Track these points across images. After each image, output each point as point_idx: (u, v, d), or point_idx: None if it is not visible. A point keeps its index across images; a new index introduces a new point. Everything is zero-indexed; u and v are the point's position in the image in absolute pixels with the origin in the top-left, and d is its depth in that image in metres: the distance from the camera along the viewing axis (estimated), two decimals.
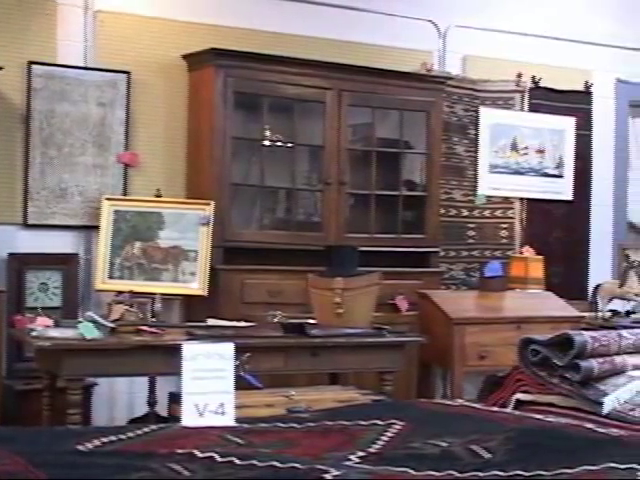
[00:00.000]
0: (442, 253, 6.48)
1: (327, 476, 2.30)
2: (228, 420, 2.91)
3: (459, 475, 2.43)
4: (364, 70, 6.07)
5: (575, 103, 7.27)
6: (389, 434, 2.83)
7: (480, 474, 2.44)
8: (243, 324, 4.95)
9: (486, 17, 6.90)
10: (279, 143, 6.00)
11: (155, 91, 5.95)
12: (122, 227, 5.49)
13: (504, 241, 6.97)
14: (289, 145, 6.02)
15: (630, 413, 3.59)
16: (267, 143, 5.94)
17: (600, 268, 7.34)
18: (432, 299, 5.75)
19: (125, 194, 5.79)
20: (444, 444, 2.69)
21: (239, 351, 3.60)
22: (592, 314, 6.35)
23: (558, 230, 7.23)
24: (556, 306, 6.05)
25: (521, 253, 6.63)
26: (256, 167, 5.95)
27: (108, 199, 5.57)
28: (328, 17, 6.43)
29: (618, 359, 3.85)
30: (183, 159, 5.99)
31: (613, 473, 2.38)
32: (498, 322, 5.66)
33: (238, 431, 2.78)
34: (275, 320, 4.96)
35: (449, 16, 6.79)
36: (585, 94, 7.33)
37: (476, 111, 6.87)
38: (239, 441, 2.66)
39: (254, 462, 2.38)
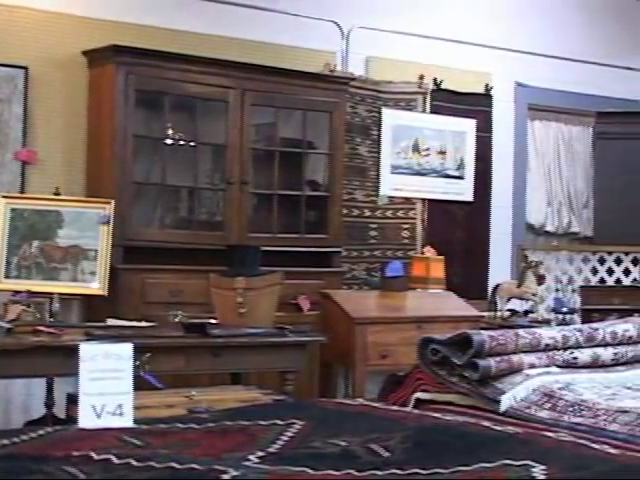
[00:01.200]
0: (344, 253, 6.51)
1: (225, 476, 2.28)
2: (126, 421, 2.87)
3: (358, 474, 2.43)
4: (267, 70, 6.06)
5: (476, 105, 7.37)
6: (289, 434, 2.82)
7: (379, 473, 2.45)
8: (144, 324, 4.90)
9: (389, 19, 6.95)
10: (182, 142, 5.95)
11: (54, 87, 5.84)
12: (19, 226, 5.37)
13: (406, 241, 7.03)
14: (192, 144, 5.98)
15: (526, 411, 3.65)
16: (169, 142, 5.89)
17: (499, 268, 7.46)
18: (334, 299, 5.77)
19: (23, 192, 5.68)
20: (343, 443, 2.70)
21: (139, 351, 3.57)
22: (491, 314, 6.45)
23: (459, 231, 7.32)
24: (456, 306, 6.12)
25: (422, 253, 6.70)
26: (158, 166, 5.89)
27: (5, 197, 5.44)
28: (232, 16, 6.40)
29: (515, 358, 3.91)
30: (83, 157, 5.90)
31: (508, 470, 2.41)
32: (399, 322, 5.71)
33: (136, 432, 2.74)
34: (176, 320, 4.91)
35: (352, 17, 6.82)
36: (485, 97, 7.44)
37: (379, 112, 6.91)
38: (137, 442, 2.62)
39: (152, 463, 2.35)
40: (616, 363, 4.23)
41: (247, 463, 2.50)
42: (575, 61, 7.93)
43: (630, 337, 4.32)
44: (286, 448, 2.69)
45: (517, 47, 7.58)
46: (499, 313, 6.51)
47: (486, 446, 2.66)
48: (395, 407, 3.54)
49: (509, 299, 6.59)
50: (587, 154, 8.18)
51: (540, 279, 6.63)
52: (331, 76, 6.49)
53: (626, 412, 3.44)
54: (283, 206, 6.16)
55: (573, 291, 7.39)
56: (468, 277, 7.21)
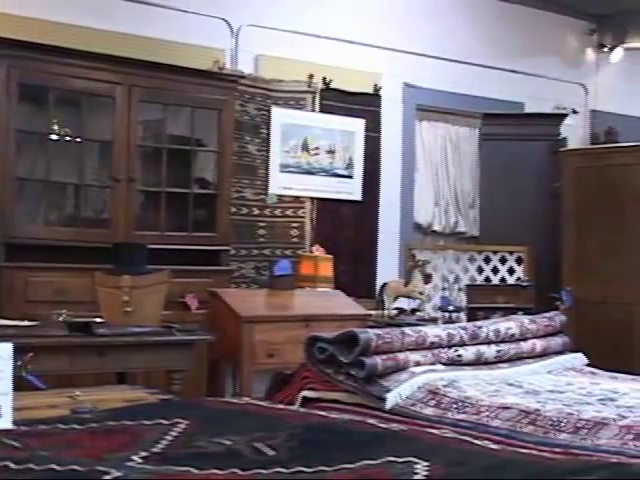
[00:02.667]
0: (233, 251, 6.48)
1: (107, 477, 2.25)
2: (5, 423, 2.81)
3: (242, 473, 2.42)
4: (155, 66, 5.99)
5: (365, 105, 7.42)
6: (173, 433, 2.79)
7: (263, 471, 2.44)
8: (26, 323, 4.79)
9: (279, 18, 6.95)
10: (67, 138, 5.84)
11: None
12: None
13: (295, 240, 7.04)
14: (78, 140, 5.87)
15: (412, 408, 3.70)
16: (55, 137, 5.77)
17: (387, 267, 7.53)
18: (222, 297, 5.74)
19: None
20: (228, 442, 2.69)
21: (21, 351, 3.49)
22: (379, 312, 6.50)
23: (348, 230, 7.36)
24: (344, 304, 6.15)
25: (311, 252, 6.71)
26: (43, 162, 5.77)
27: None
28: (120, 11, 6.32)
29: (401, 356, 3.95)
30: None
31: (392, 467, 2.42)
32: (287, 320, 5.71)
33: (15, 434, 2.68)
34: (60, 319, 4.82)
35: (242, 15, 6.80)
36: (374, 97, 7.50)
37: (268, 111, 6.91)
38: (15, 444, 2.56)
39: (31, 466, 2.30)
40: (499, 360, 4.31)
41: (130, 463, 2.46)
42: (462, 63, 8.06)
43: (513, 335, 4.41)
44: (170, 448, 2.66)
45: (406, 48, 7.66)
46: (386, 312, 6.56)
47: (370, 444, 2.68)
48: (281, 406, 3.54)
49: (396, 298, 6.65)
50: (473, 155, 8.32)
51: (427, 278, 6.71)
52: (220, 74, 6.45)
53: (508, 408, 3.51)
54: (171, 204, 6.10)
55: (459, 290, 7.51)
56: (356, 276, 7.26)
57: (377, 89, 7.51)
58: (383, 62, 7.54)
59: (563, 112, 8.42)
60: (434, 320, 6.82)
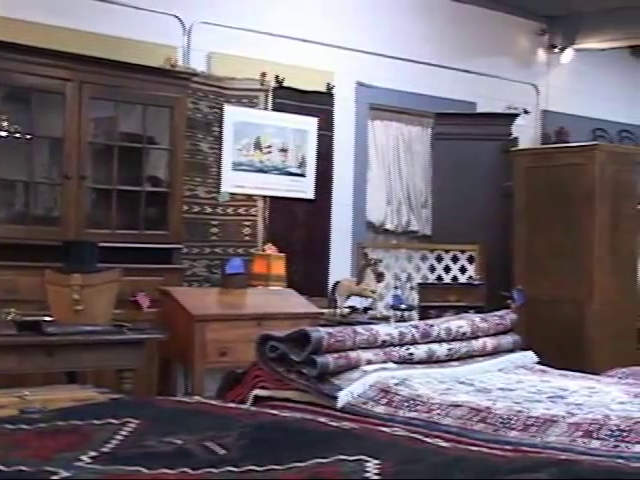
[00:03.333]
0: (185, 250, 6.44)
1: (55, 477, 2.23)
2: None
3: (193, 472, 2.42)
4: (107, 63, 5.93)
5: (317, 104, 7.42)
6: (123, 433, 2.78)
7: (214, 470, 2.43)
8: None
9: (232, 15, 6.93)
10: (17, 134, 5.76)
11: None
12: None
13: (247, 239, 7.02)
14: (28, 137, 5.80)
15: (363, 406, 3.71)
16: (3, 134, 5.69)
17: (340, 266, 7.54)
18: (173, 296, 5.71)
19: None
20: (179, 442, 2.68)
21: None
22: (331, 311, 6.51)
23: (300, 228, 7.36)
24: (296, 303, 6.14)
25: (263, 251, 6.70)
26: None
27: None
28: (71, 7, 6.26)
29: (353, 354, 3.96)
30: None
31: (343, 465, 2.43)
32: (239, 319, 5.69)
33: None
34: (9, 318, 4.76)
35: (194, 12, 6.77)
36: (327, 96, 7.50)
37: (221, 109, 6.88)
38: None
39: None
40: (450, 359, 4.35)
41: (79, 464, 2.45)
42: (415, 62, 8.09)
43: (464, 333, 4.44)
44: (120, 447, 2.64)
45: (359, 47, 7.67)
46: (339, 310, 6.57)
47: (322, 442, 2.68)
48: (233, 405, 3.53)
49: (349, 296, 6.66)
50: (426, 154, 8.35)
51: (379, 277, 6.72)
52: (172, 71, 6.41)
53: (459, 406, 3.53)
54: (122, 202, 6.05)
55: (411, 288, 7.53)
56: (309, 274, 7.25)
57: (330, 88, 7.51)
58: (336, 61, 7.55)
59: (514, 112, 8.48)
60: (386, 319, 6.84)
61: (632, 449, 3.01)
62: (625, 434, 3.10)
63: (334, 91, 7.54)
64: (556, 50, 9.35)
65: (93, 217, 5.97)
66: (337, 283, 6.71)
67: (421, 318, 6.38)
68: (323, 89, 7.48)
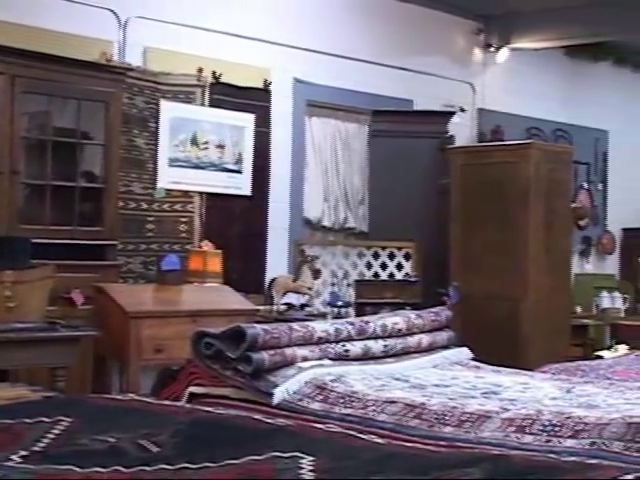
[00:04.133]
0: (120, 246, 6.38)
1: None
2: None
3: (126, 471, 2.39)
4: (40, 56, 5.84)
5: (255, 100, 7.40)
6: (55, 431, 2.74)
7: (147, 468, 2.41)
8: None
9: (168, 10, 6.88)
10: None
11: None
12: None
13: (183, 235, 6.97)
14: None
15: (299, 403, 3.71)
16: None
17: (277, 263, 7.53)
18: (108, 293, 5.66)
19: None
20: (112, 440, 2.65)
21: None
22: (267, 307, 6.50)
23: (237, 225, 7.33)
24: (233, 300, 6.13)
25: (200, 247, 6.66)
26: None
27: None
28: None
29: (288, 351, 3.96)
30: None
31: (277, 462, 2.42)
32: (175, 316, 5.66)
33: None
34: None
35: (130, 6, 6.70)
36: (264, 92, 7.48)
37: (157, 104, 6.82)
38: None
39: None
40: (386, 355, 4.36)
41: (9, 463, 2.41)
42: (353, 59, 8.10)
43: (399, 330, 4.46)
44: (52, 446, 2.61)
45: (296, 44, 7.66)
46: (275, 307, 6.57)
47: (256, 439, 2.67)
48: (167, 402, 3.50)
49: (285, 293, 6.66)
50: (363, 151, 8.36)
51: (316, 273, 6.73)
52: (107, 65, 6.34)
53: (394, 403, 3.54)
54: (56, 197, 5.97)
55: (348, 285, 7.55)
56: (245, 271, 7.23)
57: (267, 84, 7.49)
58: (273, 57, 7.53)
59: (451, 110, 8.54)
60: (323, 315, 6.86)
61: (564, 444, 3.04)
62: (557, 429, 3.13)
63: (271, 87, 7.52)
64: (492, 49, 9.43)
65: (26, 213, 5.88)
66: (274, 280, 6.70)
67: (357, 315, 6.40)
68: (260, 85, 7.45)
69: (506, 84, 9.59)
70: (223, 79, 7.16)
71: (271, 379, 3.81)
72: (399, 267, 7.72)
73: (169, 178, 6.89)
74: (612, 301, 9.99)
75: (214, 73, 7.10)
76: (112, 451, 2.56)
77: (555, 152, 7.88)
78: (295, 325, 4.14)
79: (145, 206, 6.79)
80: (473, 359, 4.69)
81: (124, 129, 6.43)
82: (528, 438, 3.13)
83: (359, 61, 8.15)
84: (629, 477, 2.07)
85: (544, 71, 9.95)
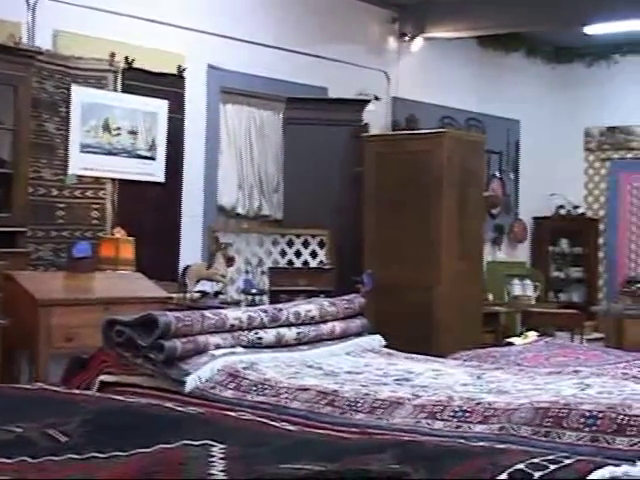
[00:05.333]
0: (30, 233, 6.26)
1: None
2: None
3: (32, 461, 2.35)
4: None
5: (168, 86, 7.32)
6: None
7: (55, 458, 2.38)
8: None
9: None
10: None
11: None
12: None
13: (95, 222, 6.87)
14: None
15: (211, 391, 3.69)
16: None
17: (191, 250, 7.47)
18: (17, 280, 5.55)
19: None
20: (19, 430, 2.60)
21: None
22: (181, 295, 6.45)
23: (150, 212, 7.25)
24: (145, 287, 6.06)
25: (112, 234, 6.58)
26: None
27: None
28: None
29: (201, 339, 3.94)
30: None
31: (188, 450, 2.41)
32: (85, 303, 5.58)
33: None
34: None
35: None
36: (178, 78, 7.40)
37: (68, 89, 6.70)
38: None
39: None
40: (299, 343, 4.36)
41: None
42: (268, 47, 8.06)
43: (312, 317, 4.46)
44: None
45: (211, 30, 7.60)
46: (189, 295, 6.52)
47: (167, 427, 2.65)
48: (77, 391, 3.46)
49: (198, 280, 6.62)
50: (278, 139, 8.34)
51: (229, 261, 6.71)
52: (16, 48, 6.19)
53: (307, 390, 3.54)
54: None
55: (262, 273, 7.54)
56: (159, 258, 7.15)
57: (181, 70, 7.41)
58: (187, 43, 7.45)
59: (365, 98, 8.56)
60: (237, 303, 6.83)
61: (474, 429, 3.08)
62: (467, 415, 3.17)
63: (185, 74, 7.44)
64: (406, 38, 9.48)
65: None
66: (187, 267, 6.66)
67: (272, 302, 6.39)
68: (174, 71, 7.38)
69: (420, 73, 9.66)
70: (136, 64, 7.06)
71: (183, 367, 3.79)
72: (313, 255, 7.73)
73: (80, 164, 6.78)
74: (523, 288, 10.17)
75: (127, 58, 7.00)
76: (19, 441, 2.51)
77: (468, 141, 7.97)
78: (208, 313, 4.12)
79: (56, 192, 6.67)
80: (386, 346, 4.72)
81: (34, 114, 6.31)
82: (439, 424, 3.16)
83: (274, 48, 8.12)
84: (535, 460, 2.10)
85: (458, 61, 10.05)
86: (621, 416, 2.93)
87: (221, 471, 2.25)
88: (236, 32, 7.81)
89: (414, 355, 4.52)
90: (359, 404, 3.38)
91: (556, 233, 11.32)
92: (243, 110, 8.19)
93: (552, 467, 2.09)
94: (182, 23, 7.38)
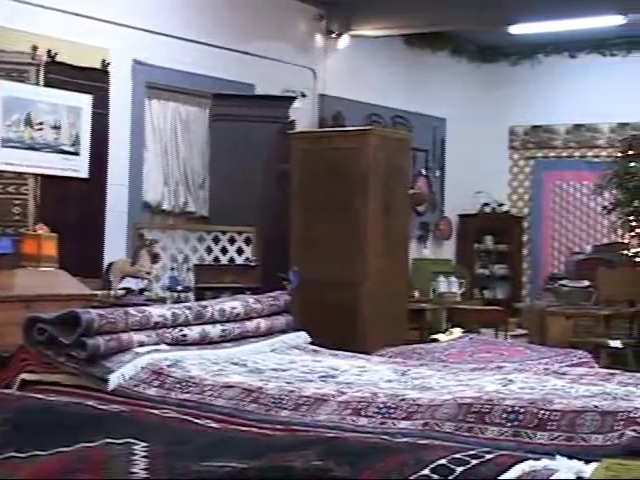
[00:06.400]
0: None
1: None
2: None
3: None
4: None
5: (92, 81, 7.22)
6: None
7: None
8: None
9: None
10: None
11: None
12: None
13: (17, 218, 6.75)
14: None
15: (135, 389, 3.66)
16: None
17: (115, 246, 7.38)
18: None
19: None
20: None
21: None
22: (105, 292, 6.38)
23: (74, 208, 7.15)
24: (69, 284, 5.98)
25: (34, 230, 6.47)
26: None
27: None
28: None
29: (125, 336, 3.91)
30: None
31: (110, 448, 2.38)
32: (7, 301, 5.48)
33: None
34: None
35: None
36: (102, 72, 7.31)
37: None
38: None
39: None
40: (224, 340, 4.35)
41: None
42: (194, 42, 8.01)
43: (238, 314, 4.45)
44: None
45: (136, 24, 7.51)
46: (113, 292, 6.45)
47: (89, 426, 2.62)
48: None
49: (123, 277, 6.55)
50: (204, 135, 8.29)
51: (154, 257, 6.65)
52: None
53: (231, 387, 3.53)
54: None
55: (188, 270, 7.48)
56: (82, 255, 7.05)
57: (105, 65, 7.32)
58: (112, 37, 7.36)
59: (292, 95, 8.56)
60: (162, 300, 6.78)
61: (398, 425, 3.09)
62: (392, 411, 3.18)
63: (110, 68, 7.36)
64: (333, 36, 9.50)
65: None
66: (111, 264, 6.58)
67: (197, 299, 6.35)
68: (98, 66, 7.28)
69: (347, 71, 9.69)
70: (59, 58, 6.95)
71: (106, 365, 3.75)
72: (239, 252, 7.69)
73: (1, 159, 6.65)
74: (449, 285, 10.26)
75: (49, 52, 6.89)
76: None
77: (394, 139, 7.99)
78: (132, 310, 4.08)
79: None
80: (312, 343, 4.72)
81: None
82: (363, 420, 3.17)
83: (200, 44, 8.07)
84: (457, 455, 2.12)
85: (384, 59, 10.10)
86: (542, 411, 2.97)
87: (143, 469, 2.23)
88: (162, 27, 7.74)
89: (339, 352, 4.53)
90: (284, 401, 3.37)
91: (481, 230, 11.44)
92: (169, 106, 8.13)
93: (474, 462, 2.11)
94: (107, 17, 7.29)
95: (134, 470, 2.22)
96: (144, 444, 2.39)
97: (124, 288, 6.58)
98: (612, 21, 9.19)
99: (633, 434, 2.74)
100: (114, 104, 7.43)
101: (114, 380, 3.68)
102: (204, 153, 8.27)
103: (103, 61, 7.30)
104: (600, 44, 10.74)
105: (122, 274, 6.51)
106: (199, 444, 2.40)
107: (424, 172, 10.88)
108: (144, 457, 2.31)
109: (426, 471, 2.07)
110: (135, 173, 7.73)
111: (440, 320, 9.46)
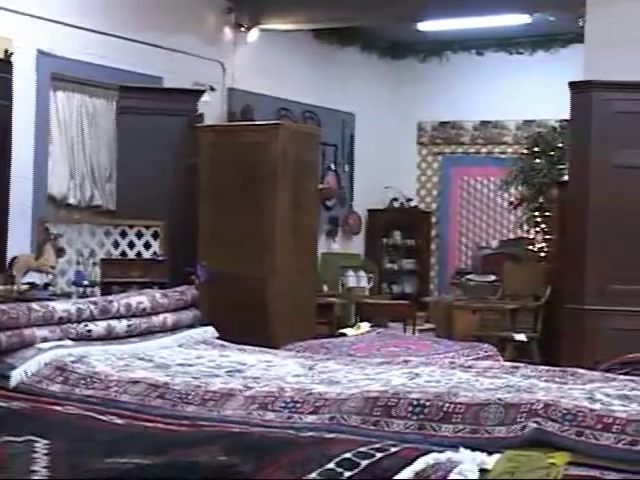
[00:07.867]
0: None
1: None
2: None
3: None
4: None
5: None
6: None
7: None
8: None
9: None
10: None
11: None
12: None
13: None
14: None
15: (38, 385, 3.60)
16: None
17: (20, 241, 7.25)
18: None
19: None
20: None
21: None
22: (8, 287, 6.25)
23: None
24: None
25: None
26: None
27: None
28: None
29: (27, 332, 3.84)
30: None
31: (10, 447, 2.33)
32: None
33: None
34: None
35: None
36: (5, 63, 7.14)
37: None
38: None
39: None
40: (130, 335, 4.30)
41: None
42: (101, 33, 7.90)
43: (144, 309, 4.41)
44: None
45: (41, 14, 7.39)
46: (16, 286, 6.32)
47: None
48: None
49: (27, 272, 6.43)
50: (111, 128, 8.19)
51: (60, 252, 6.54)
52: None
53: (137, 383, 3.49)
54: None
55: (94, 264, 7.37)
56: None
57: (8, 55, 7.16)
58: (15, 27, 7.22)
59: (200, 88, 8.50)
60: (67, 295, 6.67)
61: (305, 419, 3.09)
62: (299, 405, 3.18)
63: (13, 58, 7.19)
64: (242, 29, 9.47)
65: None
66: (14, 258, 6.45)
67: (104, 294, 6.26)
68: (1, 56, 7.12)
69: (256, 64, 9.66)
70: None
71: (8, 361, 3.68)
72: (147, 246, 7.61)
73: None
74: (357, 280, 10.32)
75: None
76: None
77: (303, 133, 7.99)
78: (35, 305, 4.01)
79: None
80: (220, 338, 4.70)
81: None
82: (270, 415, 3.16)
83: (108, 35, 7.96)
84: (363, 449, 2.12)
85: (294, 53, 10.10)
86: (447, 404, 3.00)
87: (45, 467, 2.19)
88: (68, 17, 7.62)
89: (246, 347, 4.51)
90: (190, 396, 3.35)
91: (390, 225, 11.53)
92: (75, 98, 8.01)
93: (379, 455, 2.12)
94: (9, 6, 7.15)
95: (35, 468, 2.18)
96: (46, 442, 2.35)
97: (28, 283, 6.46)
98: (518, 20, 9.34)
99: (535, 426, 2.79)
100: (18, 95, 7.25)
101: (16, 377, 3.61)
102: (111, 146, 8.17)
103: (6, 51, 7.13)
104: (506, 42, 10.90)
105: (26, 268, 6.39)
106: (103, 441, 2.36)
107: (333, 167, 10.92)
108: (45, 455, 2.27)
109: (331, 465, 2.07)
110: (40, 166, 7.60)
111: (349, 314, 9.50)
